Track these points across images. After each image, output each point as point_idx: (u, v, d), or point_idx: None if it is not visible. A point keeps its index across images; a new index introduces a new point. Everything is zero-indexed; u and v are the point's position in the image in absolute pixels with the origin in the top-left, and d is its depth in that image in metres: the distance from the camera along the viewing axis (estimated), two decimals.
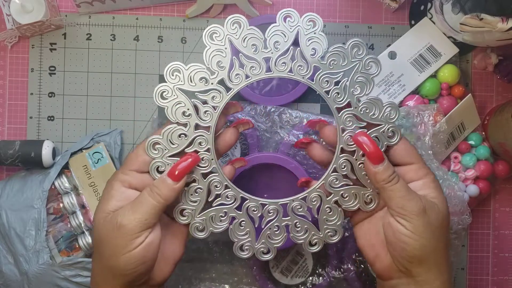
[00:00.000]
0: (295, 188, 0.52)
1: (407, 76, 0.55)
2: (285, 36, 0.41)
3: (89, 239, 0.52)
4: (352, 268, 0.54)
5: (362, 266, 0.54)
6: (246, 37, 0.41)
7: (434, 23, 0.56)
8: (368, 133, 0.42)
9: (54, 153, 0.53)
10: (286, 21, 0.41)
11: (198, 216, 0.42)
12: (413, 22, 0.57)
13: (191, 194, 0.42)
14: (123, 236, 0.38)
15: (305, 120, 0.53)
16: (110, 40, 0.56)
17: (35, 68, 0.56)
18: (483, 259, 0.59)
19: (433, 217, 0.39)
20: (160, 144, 0.41)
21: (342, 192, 0.43)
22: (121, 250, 0.38)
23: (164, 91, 0.41)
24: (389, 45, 0.57)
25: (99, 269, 0.40)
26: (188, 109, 0.41)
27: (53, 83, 0.56)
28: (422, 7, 0.57)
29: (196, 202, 0.42)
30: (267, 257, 0.43)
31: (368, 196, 0.43)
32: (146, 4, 0.56)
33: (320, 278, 0.55)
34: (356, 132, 0.42)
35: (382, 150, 0.42)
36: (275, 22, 0.41)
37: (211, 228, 0.42)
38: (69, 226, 0.52)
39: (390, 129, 0.42)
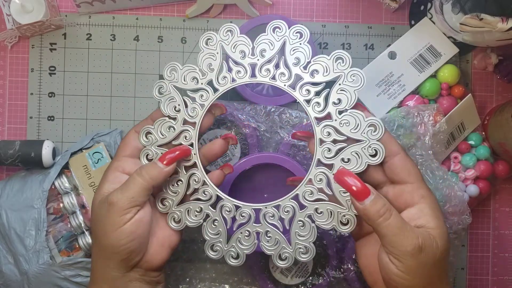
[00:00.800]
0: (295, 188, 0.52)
1: (407, 76, 0.55)
2: (271, 45, 0.44)
3: (89, 239, 0.52)
4: (352, 268, 0.54)
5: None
6: (236, 43, 0.44)
7: (434, 23, 0.56)
8: (347, 148, 0.41)
9: (54, 153, 0.53)
10: (274, 32, 0.44)
11: (176, 207, 0.44)
12: (413, 22, 0.57)
13: (172, 185, 0.44)
14: (113, 213, 0.40)
15: (305, 120, 0.53)
16: (110, 40, 0.56)
17: (35, 68, 0.56)
18: (483, 259, 0.59)
19: (429, 256, 0.36)
20: (151, 133, 0.44)
21: (316, 207, 0.42)
22: (112, 227, 0.40)
23: (161, 87, 0.44)
24: (389, 45, 0.57)
25: (95, 255, 0.42)
26: (178, 105, 0.44)
27: (53, 83, 0.56)
28: (422, 7, 0.57)
29: (175, 193, 0.44)
30: (236, 262, 0.43)
31: (344, 216, 0.41)
32: (146, 4, 0.56)
33: (320, 278, 0.55)
34: (337, 170, 0.40)
35: (363, 168, 0.40)
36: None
37: (186, 222, 0.44)
38: (69, 226, 0.53)
39: (372, 147, 0.40)
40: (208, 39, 0.44)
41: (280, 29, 0.43)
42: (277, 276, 0.55)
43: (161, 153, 0.43)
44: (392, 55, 0.56)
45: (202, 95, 0.44)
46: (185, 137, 0.44)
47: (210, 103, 0.44)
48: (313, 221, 0.42)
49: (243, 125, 0.53)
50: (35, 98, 0.56)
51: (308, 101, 0.43)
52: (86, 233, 0.52)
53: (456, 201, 0.52)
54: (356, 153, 0.41)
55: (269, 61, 0.44)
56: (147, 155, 0.44)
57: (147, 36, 0.56)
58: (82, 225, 0.52)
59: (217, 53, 0.44)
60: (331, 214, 0.42)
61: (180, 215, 0.44)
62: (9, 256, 0.51)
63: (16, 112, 0.56)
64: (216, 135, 0.53)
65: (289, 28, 0.43)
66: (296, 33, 0.43)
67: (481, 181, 0.56)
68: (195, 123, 0.44)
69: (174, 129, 0.44)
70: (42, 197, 0.51)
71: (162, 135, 0.44)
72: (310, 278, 0.55)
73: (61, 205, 0.53)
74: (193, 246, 0.56)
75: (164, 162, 0.42)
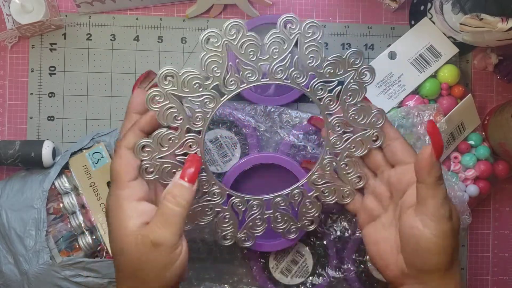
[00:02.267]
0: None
1: (407, 76, 0.55)
2: (284, 43, 0.42)
3: (89, 239, 0.52)
4: (352, 268, 0.54)
5: (362, 266, 0.55)
6: (245, 43, 0.41)
7: (434, 23, 0.56)
8: (354, 137, 0.44)
9: (54, 153, 0.53)
10: (286, 27, 0.41)
11: None
12: (413, 22, 0.57)
13: None
14: (163, 254, 0.37)
15: (305, 120, 0.53)
16: (110, 40, 0.56)
17: (35, 68, 0.56)
18: (483, 259, 0.59)
19: (455, 224, 0.39)
20: (149, 147, 0.41)
21: (323, 188, 0.46)
22: (165, 267, 0.38)
23: (157, 96, 0.40)
24: (389, 45, 0.57)
25: None
26: (179, 114, 0.41)
27: (53, 83, 0.56)
28: (422, 7, 0.56)
29: None
30: (248, 244, 0.47)
31: (346, 191, 0.46)
32: (146, 4, 0.56)
33: (320, 278, 0.55)
34: (428, 120, 0.44)
35: (365, 151, 0.44)
36: (275, 24, 0.41)
37: (196, 222, 0.46)
38: (69, 226, 0.52)
39: (375, 133, 0.44)
40: (211, 37, 0.40)
41: (292, 24, 0.41)
42: (277, 276, 0.55)
43: (168, 165, 0.41)
44: (392, 55, 0.56)
45: (207, 102, 0.41)
46: (190, 145, 0.42)
47: (217, 109, 0.42)
48: (319, 200, 0.46)
49: (243, 125, 0.53)
50: (35, 98, 0.56)
51: (320, 99, 0.43)
52: (86, 233, 0.52)
53: (456, 201, 0.52)
54: (361, 140, 0.44)
55: (282, 60, 0.41)
56: (147, 168, 0.41)
57: (147, 36, 0.56)
58: (82, 225, 0.52)
59: (223, 54, 0.40)
60: (335, 192, 0.46)
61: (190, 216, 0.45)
62: (9, 256, 0.51)
63: (16, 112, 0.56)
64: (216, 135, 0.53)
65: (301, 23, 0.41)
66: (310, 29, 0.41)
67: (481, 181, 0.56)
68: (200, 131, 0.42)
69: (176, 139, 0.41)
70: (42, 197, 0.51)
71: (163, 147, 0.41)
72: (310, 278, 0.55)
73: (61, 205, 0.53)
74: (192, 246, 0.56)
75: (187, 180, 0.39)
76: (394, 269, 0.41)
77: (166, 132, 0.41)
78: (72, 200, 0.52)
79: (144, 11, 0.57)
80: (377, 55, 0.56)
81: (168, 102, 0.40)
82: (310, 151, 0.53)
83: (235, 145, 0.54)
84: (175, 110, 0.40)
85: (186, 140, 0.42)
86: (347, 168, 0.46)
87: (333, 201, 0.46)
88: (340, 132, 0.44)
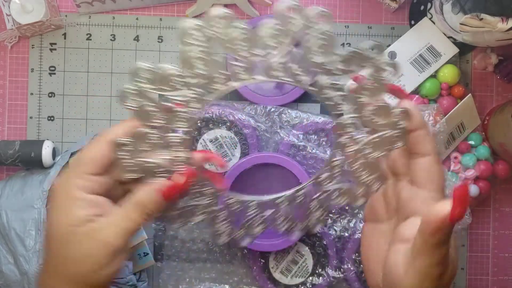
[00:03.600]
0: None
1: (407, 76, 0.55)
2: (284, 35, 0.36)
3: None
4: (352, 268, 0.54)
5: (362, 266, 0.55)
6: (233, 34, 0.35)
7: (434, 23, 0.56)
8: (369, 139, 0.38)
9: (54, 153, 0.53)
10: (286, 16, 0.35)
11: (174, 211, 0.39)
12: (413, 22, 0.57)
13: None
14: (107, 253, 0.35)
15: (305, 120, 0.53)
16: (110, 40, 0.56)
17: (35, 68, 0.56)
18: (483, 259, 0.59)
19: (447, 280, 0.33)
20: (130, 145, 0.36)
21: (331, 190, 0.41)
22: (103, 266, 0.35)
23: (130, 94, 0.35)
24: (389, 45, 0.57)
25: (55, 277, 0.36)
26: (160, 113, 0.36)
27: (53, 83, 0.56)
28: (422, 7, 0.57)
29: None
30: (244, 243, 0.41)
31: (359, 194, 0.40)
32: (146, 4, 0.56)
33: (320, 278, 0.55)
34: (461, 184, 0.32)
35: (382, 154, 0.39)
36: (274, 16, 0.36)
37: (188, 221, 0.39)
38: None
39: (395, 135, 0.38)
40: (190, 30, 0.34)
41: (294, 13, 0.35)
42: (277, 276, 0.55)
43: (153, 165, 0.37)
44: (392, 55, 0.56)
45: (191, 101, 0.35)
46: (176, 146, 0.36)
47: (204, 109, 0.36)
48: (327, 202, 0.41)
49: (243, 125, 0.53)
50: (35, 98, 0.56)
51: (328, 98, 0.38)
52: None
53: None
54: (378, 142, 0.38)
55: (282, 56, 0.36)
56: (126, 167, 0.37)
57: (147, 36, 0.56)
58: None
59: (208, 48, 0.35)
60: (345, 194, 0.41)
61: (179, 216, 0.39)
62: (9, 256, 0.51)
63: (16, 112, 0.56)
64: (216, 135, 0.53)
65: (305, 11, 0.35)
66: (315, 17, 0.35)
67: (481, 181, 0.56)
68: (186, 131, 0.36)
69: (158, 139, 0.36)
70: (42, 197, 0.51)
71: (143, 146, 0.36)
72: (310, 278, 0.55)
73: None
74: (193, 246, 0.56)
75: (164, 196, 0.36)
76: (374, 279, 0.38)
77: (145, 131, 0.36)
78: None
79: (144, 11, 0.57)
80: None
81: (143, 100, 0.35)
82: (310, 151, 0.53)
83: (235, 145, 0.54)
84: (154, 109, 0.35)
85: (169, 140, 0.36)
86: (360, 170, 0.40)
87: (343, 204, 0.41)
88: (352, 134, 0.39)
